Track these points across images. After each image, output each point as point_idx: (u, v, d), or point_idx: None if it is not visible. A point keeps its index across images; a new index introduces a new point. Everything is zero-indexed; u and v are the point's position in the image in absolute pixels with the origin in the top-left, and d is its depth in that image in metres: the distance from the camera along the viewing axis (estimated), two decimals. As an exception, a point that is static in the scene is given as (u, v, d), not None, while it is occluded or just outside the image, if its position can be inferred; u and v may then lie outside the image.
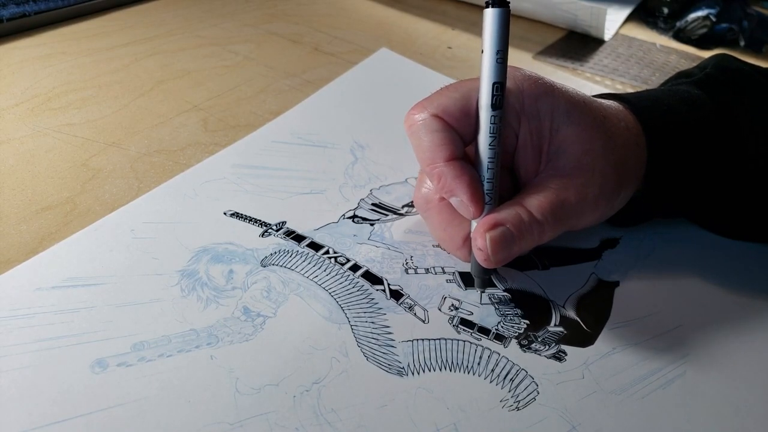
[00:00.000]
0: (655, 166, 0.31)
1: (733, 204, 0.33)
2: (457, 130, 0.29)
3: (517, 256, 0.28)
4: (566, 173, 0.29)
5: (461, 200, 0.28)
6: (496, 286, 0.31)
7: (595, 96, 0.33)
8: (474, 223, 0.29)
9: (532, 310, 0.30)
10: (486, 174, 0.28)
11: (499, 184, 0.29)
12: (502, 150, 0.29)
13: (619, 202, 0.31)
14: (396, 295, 0.30)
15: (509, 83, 0.29)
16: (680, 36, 0.67)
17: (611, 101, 0.32)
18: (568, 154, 0.29)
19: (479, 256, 0.28)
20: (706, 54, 0.65)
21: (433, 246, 0.34)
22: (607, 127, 0.30)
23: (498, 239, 0.27)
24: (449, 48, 0.60)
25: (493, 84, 0.27)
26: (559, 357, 0.28)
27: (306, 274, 0.31)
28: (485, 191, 0.28)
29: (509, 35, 0.27)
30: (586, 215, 0.29)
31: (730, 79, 0.34)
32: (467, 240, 0.30)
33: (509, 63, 0.30)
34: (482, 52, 0.27)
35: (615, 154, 0.29)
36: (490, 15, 0.27)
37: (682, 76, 0.37)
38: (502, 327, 0.29)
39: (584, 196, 0.28)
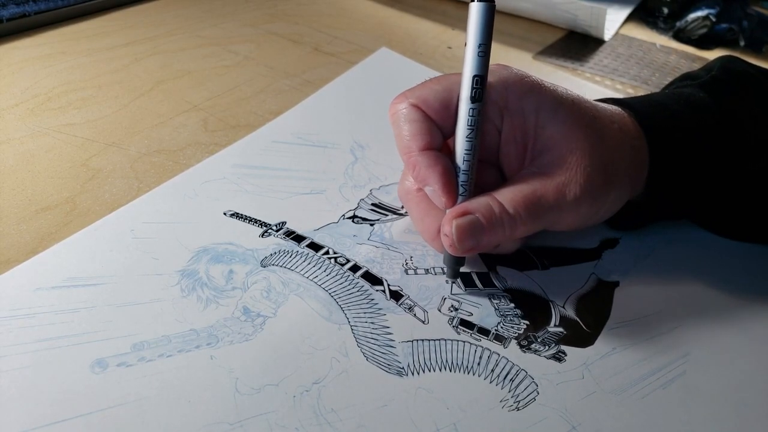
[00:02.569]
0: (658, 170, 0.31)
1: (735, 206, 0.33)
2: (436, 122, 0.29)
3: (494, 251, 0.29)
4: (548, 171, 0.29)
5: (434, 189, 0.28)
6: (492, 282, 0.31)
7: (597, 100, 0.33)
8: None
9: (532, 310, 0.30)
10: (462, 166, 0.29)
11: (484, 178, 0.29)
12: (483, 144, 0.30)
13: (611, 203, 0.31)
14: (396, 295, 0.30)
15: (494, 79, 0.29)
16: (680, 36, 0.67)
17: (609, 105, 0.32)
18: (552, 152, 0.29)
19: (445, 242, 0.28)
20: (706, 54, 0.65)
21: (433, 246, 0.34)
22: (597, 128, 0.30)
23: (465, 227, 0.27)
24: (449, 48, 0.60)
25: (474, 77, 0.28)
26: (558, 357, 0.28)
27: (306, 275, 0.31)
28: (460, 183, 0.29)
29: (493, 30, 0.27)
30: (568, 214, 0.29)
31: (736, 82, 0.34)
32: None
33: (507, 63, 0.30)
34: (465, 45, 0.28)
35: (604, 154, 0.29)
36: (474, 9, 0.27)
37: (687, 78, 0.37)
38: (501, 327, 0.29)
39: (564, 194, 0.28)
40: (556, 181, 0.29)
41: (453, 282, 0.31)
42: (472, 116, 0.28)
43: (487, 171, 0.31)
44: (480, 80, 0.28)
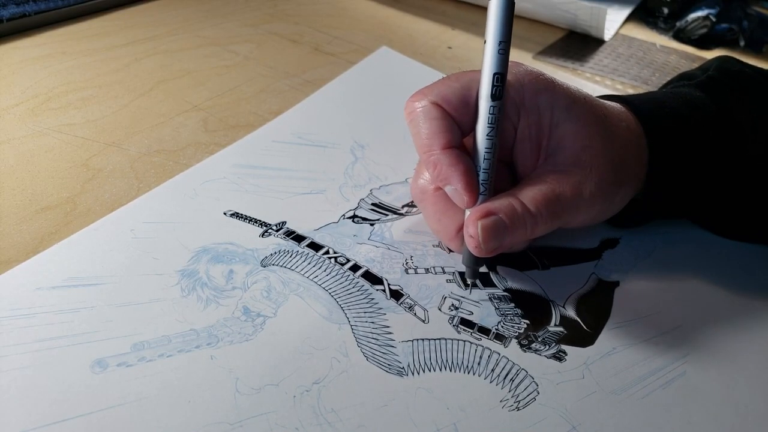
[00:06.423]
0: (657, 168, 0.31)
1: (733, 205, 0.33)
2: (455, 120, 0.29)
3: (508, 250, 0.28)
4: (564, 169, 0.29)
5: (455, 188, 0.28)
6: (493, 282, 0.31)
7: (598, 97, 0.33)
8: (468, 213, 0.29)
9: (533, 309, 0.30)
10: (482, 164, 0.28)
11: (495, 176, 0.29)
12: (500, 142, 0.29)
13: (618, 201, 0.31)
14: (396, 295, 0.30)
15: (510, 77, 0.29)
16: (680, 36, 0.67)
17: (613, 102, 0.32)
18: (566, 149, 0.29)
19: (470, 244, 0.28)
20: (706, 54, 0.65)
21: (433, 246, 0.34)
22: (607, 126, 0.30)
23: (489, 228, 0.27)
24: (449, 48, 0.60)
25: (494, 75, 0.27)
26: (559, 357, 0.28)
27: (306, 274, 0.31)
28: (480, 181, 0.29)
29: (512, 29, 0.27)
30: (581, 212, 0.29)
31: (733, 82, 0.34)
32: (461, 230, 0.30)
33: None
34: (485, 42, 0.27)
35: (614, 152, 0.29)
36: (494, 5, 0.27)
37: (684, 78, 0.37)
38: (502, 327, 0.29)
39: (580, 192, 0.28)
40: (572, 179, 0.29)
41: (472, 282, 0.31)
42: (492, 114, 0.28)
43: (500, 169, 0.31)
44: (500, 78, 0.27)
